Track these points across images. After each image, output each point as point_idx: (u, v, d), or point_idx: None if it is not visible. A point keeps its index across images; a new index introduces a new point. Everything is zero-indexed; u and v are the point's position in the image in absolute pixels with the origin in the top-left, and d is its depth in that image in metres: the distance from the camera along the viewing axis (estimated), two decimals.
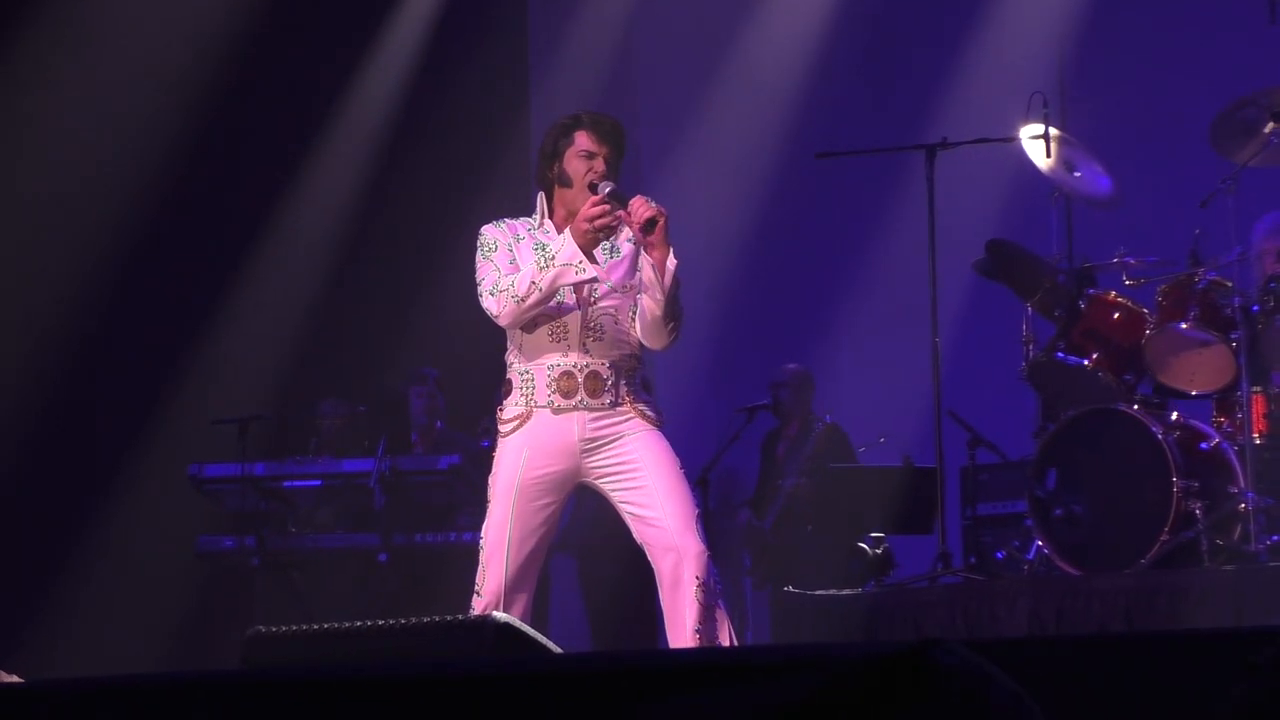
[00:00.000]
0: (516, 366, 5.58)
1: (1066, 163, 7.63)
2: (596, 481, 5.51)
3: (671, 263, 5.40)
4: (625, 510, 5.49)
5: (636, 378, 5.55)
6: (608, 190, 5.44)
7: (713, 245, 10.26)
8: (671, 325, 5.49)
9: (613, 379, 5.49)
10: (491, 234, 5.61)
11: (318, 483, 8.86)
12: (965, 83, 10.29)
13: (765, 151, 10.80)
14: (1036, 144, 7.52)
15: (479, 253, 5.58)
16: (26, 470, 9.38)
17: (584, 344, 5.49)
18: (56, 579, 9.22)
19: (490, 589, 5.44)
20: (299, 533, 8.87)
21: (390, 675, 2.69)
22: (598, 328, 5.50)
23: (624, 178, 5.60)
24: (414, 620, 4.08)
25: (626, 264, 5.52)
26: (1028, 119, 7.57)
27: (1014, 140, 7.64)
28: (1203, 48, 9.88)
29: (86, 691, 2.95)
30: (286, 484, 8.83)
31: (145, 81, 9.70)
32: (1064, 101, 9.13)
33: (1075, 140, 7.76)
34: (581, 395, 5.49)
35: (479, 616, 4.76)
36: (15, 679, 3.76)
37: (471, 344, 9.98)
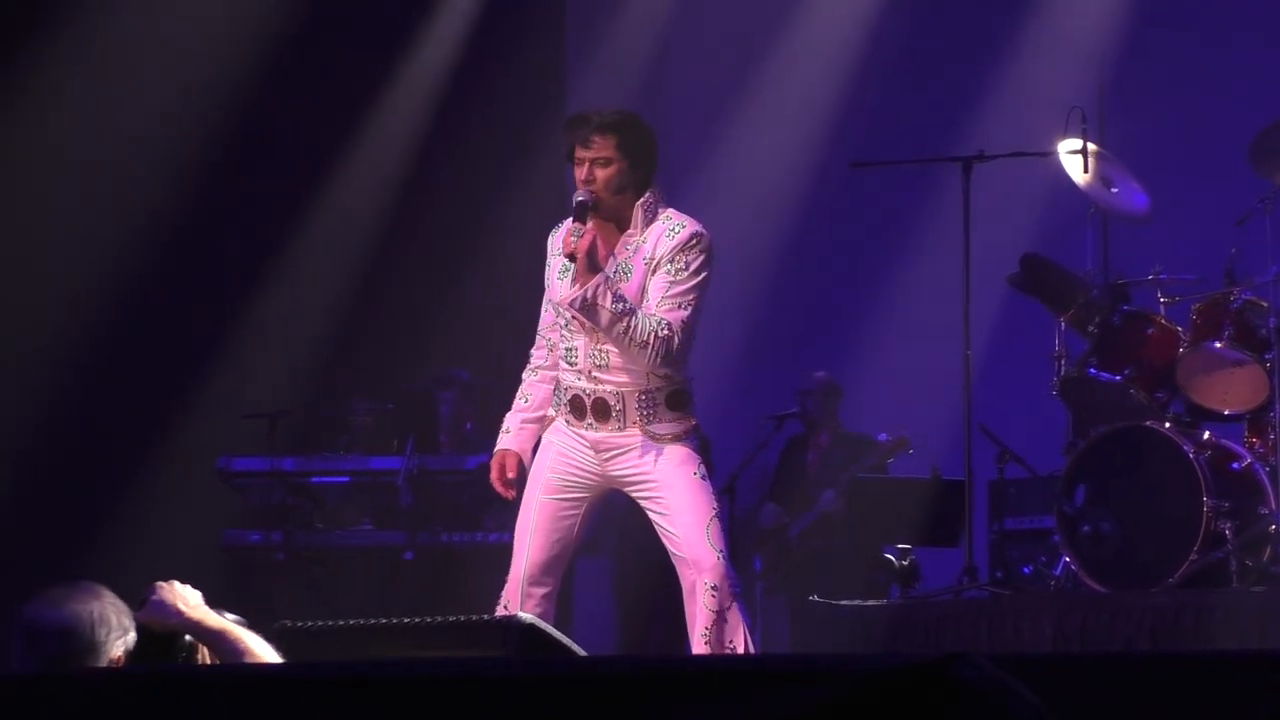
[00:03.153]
0: (558, 372, 5.65)
1: (1104, 178, 7.61)
2: (624, 489, 5.57)
3: (588, 291, 5.35)
4: (650, 517, 5.56)
5: (654, 399, 5.51)
6: (577, 202, 5.43)
7: (745, 253, 10.24)
8: (635, 349, 5.40)
9: (620, 406, 5.50)
10: (548, 249, 5.65)
11: (345, 479, 8.86)
12: (1003, 96, 10.27)
13: (800, 160, 10.79)
14: (1074, 159, 7.50)
15: None
16: (55, 461, 9.40)
17: (590, 371, 5.51)
18: (82, 569, 9.21)
19: (513, 574, 5.54)
20: (325, 529, 8.88)
21: (414, 674, 2.70)
22: (604, 355, 5.50)
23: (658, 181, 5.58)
24: (439, 619, 4.09)
25: (634, 288, 5.49)
26: (1066, 134, 7.54)
27: (1051, 155, 7.62)
28: (1242, 66, 9.84)
29: (106, 684, 2.96)
30: (314, 480, 8.84)
31: (181, 76, 9.72)
32: (1102, 117, 9.11)
33: (1113, 156, 7.73)
34: (589, 419, 5.55)
35: (504, 617, 4.78)
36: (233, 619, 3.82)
37: (501, 344, 10.00)
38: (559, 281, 5.54)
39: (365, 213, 10.42)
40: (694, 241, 5.47)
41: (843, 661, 2.41)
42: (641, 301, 5.45)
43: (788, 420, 9.56)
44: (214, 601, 3.94)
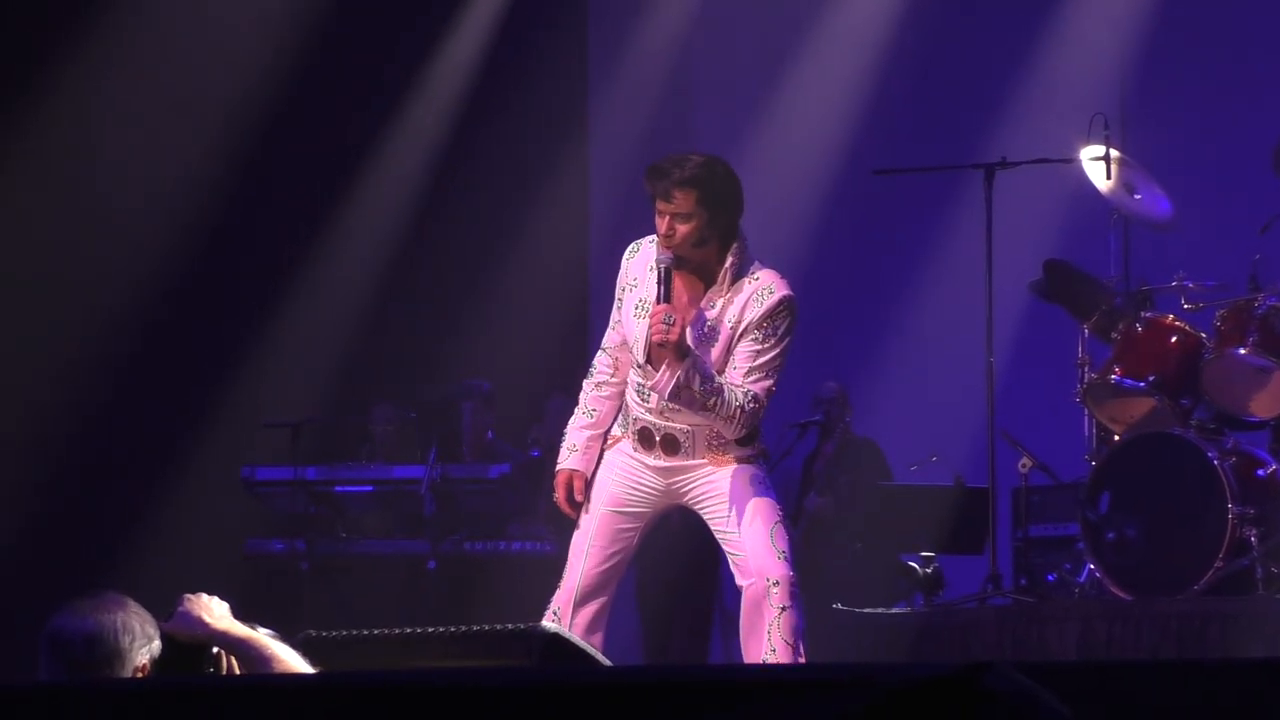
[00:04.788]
0: (626, 394, 5.63)
1: (1127, 185, 7.59)
2: (686, 502, 5.59)
3: (681, 377, 5.34)
4: (714, 534, 5.59)
5: (722, 436, 5.53)
6: (663, 267, 5.42)
7: (766, 259, 10.23)
8: (721, 421, 5.43)
9: (690, 442, 5.54)
10: (620, 273, 5.63)
11: (369, 488, 8.87)
12: (1025, 102, 10.25)
13: (822, 167, 10.78)
14: (1097, 165, 7.49)
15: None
16: (79, 469, 9.42)
17: (662, 411, 5.51)
18: (106, 577, 9.25)
19: (567, 585, 5.59)
20: (348, 537, 8.88)
21: (437, 683, 2.69)
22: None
23: None
24: (463, 628, 4.08)
25: (718, 352, 5.48)
26: (1088, 140, 7.53)
27: (1074, 161, 7.61)
28: (1266, 72, 9.82)
29: (127, 694, 2.96)
30: (337, 489, 8.84)
31: (207, 84, 9.75)
32: (1125, 123, 9.10)
33: (1135, 162, 7.72)
34: (658, 451, 5.56)
35: (528, 626, 4.78)
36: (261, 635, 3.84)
37: (522, 354, 10.01)
38: (634, 321, 5.51)
39: (387, 222, 10.44)
40: (781, 307, 5.47)
41: (869, 671, 2.40)
42: (726, 362, 5.45)
43: (811, 428, 9.55)
44: (238, 610, 3.94)
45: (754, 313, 5.44)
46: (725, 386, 5.39)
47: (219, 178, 9.73)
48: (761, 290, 5.47)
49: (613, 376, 5.66)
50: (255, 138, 9.81)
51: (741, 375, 5.44)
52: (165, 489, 9.63)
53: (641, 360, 5.45)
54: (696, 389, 5.34)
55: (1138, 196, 7.64)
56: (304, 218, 10.18)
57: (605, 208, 10.73)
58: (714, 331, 5.47)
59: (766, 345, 5.44)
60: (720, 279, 5.47)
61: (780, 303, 5.45)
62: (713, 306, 5.48)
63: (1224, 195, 9.05)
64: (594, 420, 5.64)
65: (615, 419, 5.68)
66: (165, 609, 3.87)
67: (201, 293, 9.83)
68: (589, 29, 11.11)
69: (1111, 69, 9.90)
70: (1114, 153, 7.50)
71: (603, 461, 5.63)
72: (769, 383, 5.46)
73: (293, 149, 10.04)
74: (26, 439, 9.31)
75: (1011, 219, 7.95)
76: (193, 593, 3.87)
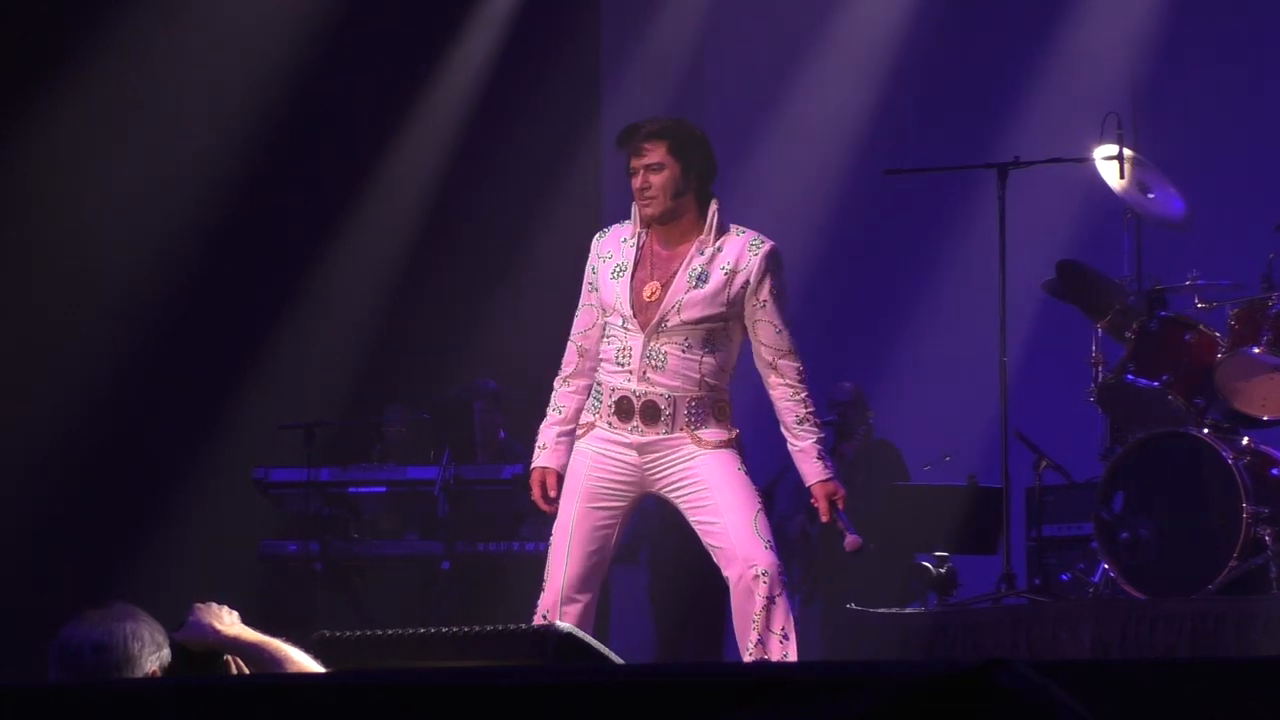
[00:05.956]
0: (597, 376, 5.62)
1: (1140, 184, 7.59)
2: (662, 492, 5.55)
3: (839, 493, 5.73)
4: (691, 520, 5.54)
5: (703, 406, 5.52)
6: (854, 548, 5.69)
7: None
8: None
9: (670, 410, 5.50)
10: (591, 256, 5.69)
11: (382, 489, 8.87)
12: (1038, 102, 10.25)
13: (834, 167, 10.78)
14: (1110, 165, 7.48)
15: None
16: (93, 471, 9.44)
17: (644, 373, 5.50)
18: (120, 579, 9.27)
19: (552, 585, 5.54)
20: (362, 539, 8.89)
21: (451, 683, 2.70)
22: (660, 357, 5.49)
23: None
24: (477, 628, 4.09)
25: (709, 292, 5.50)
26: (1101, 139, 7.52)
27: (1087, 160, 7.60)
28: (1278, 70, 9.81)
29: (144, 693, 2.96)
30: (351, 490, 8.85)
31: (220, 84, 9.76)
32: (1137, 122, 9.09)
33: (1149, 162, 7.71)
34: (636, 422, 5.54)
35: (542, 626, 4.78)
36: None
37: (534, 354, 10.01)
38: (613, 282, 5.55)
39: (399, 224, 10.45)
40: (775, 259, 5.57)
41: (883, 669, 2.40)
42: (714, 303, 5.47)
43: (824, 428, 9.54)
44: (252, 612, 3.95)
45: (750, 263, 5.50)
46: (811, 427, 5.76)
47: (232, 178, 9.74)
48: (753, 241, 5.56)
49: (579, 364, 5.67)
50: (269, 138, 9.82)
51: (788, 341, 5.59)
52: (179, 491, 9.64)
53: (628, 313, 5.47)
54: (831, 466, 5.77)
55: (1151, 196, 7.63)
56: (317, 219, 10.19)
57: (618, 207, 10.70)
58: (704, 276, 5.50)
59: (784, 305, 5.58)
60: (707, 228, 5.53)
61: (773, 253, 5.57)
62: (701, 253, 5.52)
63: (1237, 194, 9.04)
64: (563, 416, 5.67)
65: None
66: (180, 610, 3.88)
67: (214, 295, 9.84)
68: (602, 28, 11.11)
69: (1124, 68, 9.90)
70: (1127, 152, 7.49)
71: (574, 452, 5.61)
72: (794, 339, 5.63)
73: (306, 150, 10.06)
74: (40, 441, 9.33)
75: (1025, 219, 7.95)
76: (203, 601, 3.88)
